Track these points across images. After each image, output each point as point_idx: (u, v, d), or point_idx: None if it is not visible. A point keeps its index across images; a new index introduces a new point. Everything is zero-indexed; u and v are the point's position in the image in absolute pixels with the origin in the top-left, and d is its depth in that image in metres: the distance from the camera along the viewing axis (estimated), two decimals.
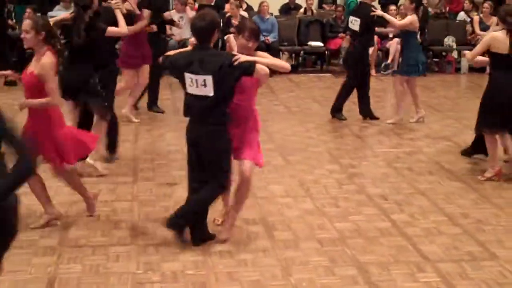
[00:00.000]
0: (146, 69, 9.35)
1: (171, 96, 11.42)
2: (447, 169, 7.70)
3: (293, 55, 15.06)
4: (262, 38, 13.60)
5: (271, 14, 14.64)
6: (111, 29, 7.16)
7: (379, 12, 9.72)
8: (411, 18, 9.27)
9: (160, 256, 5.28)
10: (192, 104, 5.26)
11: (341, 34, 14.18)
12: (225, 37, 13.36)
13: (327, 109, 10.33)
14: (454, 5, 16.21)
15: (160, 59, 5.49)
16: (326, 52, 14.47)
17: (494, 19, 14.34)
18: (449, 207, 6.50)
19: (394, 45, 13.85)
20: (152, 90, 10.08)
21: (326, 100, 11.15)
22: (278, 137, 9.03)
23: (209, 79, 5.09)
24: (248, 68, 5.12)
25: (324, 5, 17.16)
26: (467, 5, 15.86)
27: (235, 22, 13.59)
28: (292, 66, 14.50)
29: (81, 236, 5.67)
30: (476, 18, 14.49)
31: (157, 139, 8.76)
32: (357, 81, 10.01)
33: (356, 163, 7.86)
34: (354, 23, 9.76)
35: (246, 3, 15.55)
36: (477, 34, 14.27)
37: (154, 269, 5.07)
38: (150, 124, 9.51)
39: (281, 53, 14.55)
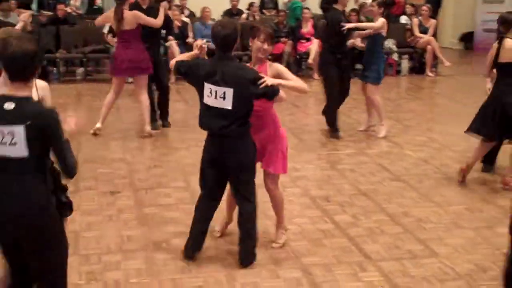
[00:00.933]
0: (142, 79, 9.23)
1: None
2: (388, 170, 7.82)
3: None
4: (205, 43, 13.58)
5: (214, 19, 14.63)
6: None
7: (350, 25, 9.17)
8: (383, 20, 9.19)
9: (103, 265, 5.23)
10: (208, 116, 5.06)
11: (283, 39, 14.29)
12: (166, 44, 13.32)
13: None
14: (395, 9, 16.46)
15: (173, 63, 5.27)
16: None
17: (433, 22, 14.70)
18: (391, 207, 6.60)
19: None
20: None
21: None
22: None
23: (229, 92, 4.90)
24: (271, 95, 5.01)
25: (265, 11, 17.25)
26: (409, 8, 16.15)
27: (176, 28, 13.58)
28: None
29: None
30: (415, 20, 14.77)
31: (100, 148, 8.67)
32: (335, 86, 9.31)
33: (299, 166, 7.91)
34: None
35: (188, 9, 15.54)
36: (416, 36, 14.56)
37: (97, 278, 5.02)
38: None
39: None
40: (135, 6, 9.17)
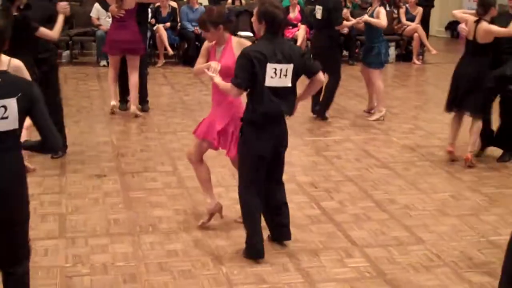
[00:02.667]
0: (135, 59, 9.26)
1: (99, 86, 11.27)
2: (374, 156, 7.84)
3: None
4: (191, 28, 13.55)
5: (200, 4, 14.56)
6: (43, 31, 6.91)
7: (363, 19, 9.44)
8: (384, 12, 9.38)
9: (89, 249, 5.22)
10: (272, 104, 4.95)
11: None
12: (154, 28, 13.27)
13: None
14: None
15: (234, 83, 4.97)
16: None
17: (420, 9, 14.71)
18: (377, 194, 6.63)
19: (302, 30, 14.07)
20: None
21: None
22: None
23: (290, 68, 4.96)
24: (316, 70, 5.15)
25: None
26: None
27: (164, 12, 13.51)
28: None
29: None
30: (401, 10, 14.76)
31: (86, 131, 8.62)
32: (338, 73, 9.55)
33: (286, 152, 7.89)
34: (318, 11, 9.61)
35: None
36: (403, 23, 14.57)
37: (83, 261, 5.01)
38: (78, 116, 9.34)
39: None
40: None
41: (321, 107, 9.50)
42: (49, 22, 7.09)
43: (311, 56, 5.23)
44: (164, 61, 13.36)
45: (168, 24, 13.46)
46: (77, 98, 10.33)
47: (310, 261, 5.14)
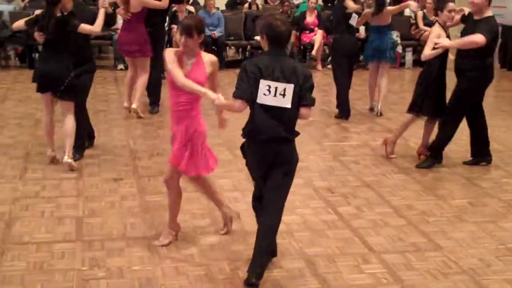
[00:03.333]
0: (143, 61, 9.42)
1: (116, 90, 11.31)
2: (392, 162, 7.80)
3: (240, 49, 15.06)
4: (208, 32, 13.57)
5: (218, 8, 14.60)
6: (84, 26, 7.11)
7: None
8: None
9: (106, 252, 5.22)
10: (263, 122, 4.66)
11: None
12: (172, 32, 13.30)
13: None
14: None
15: (234, 96, 4.74)
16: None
17: None
18: (394, 199, 6.59)
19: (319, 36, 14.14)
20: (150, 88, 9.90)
21: None
22: (225, 132, 8.95)
23: (290, 88, 4.58)
24: (313, 102, 4.75)
25: (269, 1, 17.20)
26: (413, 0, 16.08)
27: (181, 16, 13.54)
28: (238, 60, 14.60)
29: (24, 232, 5.56)
30: (420, 13, 14.69)
31: (103, 134, 8.65)
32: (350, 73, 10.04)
33: (303, 157, 7.80)
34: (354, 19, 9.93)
35: None
36: (421, 29, 14.49)
37: (99, 265, 5.01)
38: (95, 119, 9.36)
39: (227, 47, 14.53)
40: None
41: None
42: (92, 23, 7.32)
43: (311, 87, 4.71)
44: None
45: (175, 26, 13.44)
46: (95, 101, 10.35)
47: (327, 266, 5.12)
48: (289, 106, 4.61)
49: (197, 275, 4.90)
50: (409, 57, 14.73)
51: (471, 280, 4.97)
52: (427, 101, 7.62)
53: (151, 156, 7.81)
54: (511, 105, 11.10)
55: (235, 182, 6.95)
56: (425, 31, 14.37)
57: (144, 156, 7.79)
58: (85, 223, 5.79)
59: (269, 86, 4.57)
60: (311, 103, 4.71)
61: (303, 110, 4.69)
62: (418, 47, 14.82)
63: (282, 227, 5.66)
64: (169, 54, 5.09)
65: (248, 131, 4.79)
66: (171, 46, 13.35)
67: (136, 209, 6.16)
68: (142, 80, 9.35)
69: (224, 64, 13.89)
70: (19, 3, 14.55)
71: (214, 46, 13.64)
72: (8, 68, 13.68)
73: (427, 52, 7.42)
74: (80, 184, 6.77)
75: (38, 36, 7.01)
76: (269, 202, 4.82)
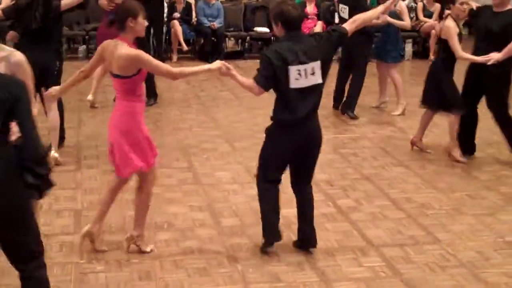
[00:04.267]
0: None
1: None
2: (391, 155, 7.80)
3: (239, 40, 15.00)
4: (207, 23, 13.52)
5: None
6: (64, 1, 6.95)
7: (392, 21, 9.54)
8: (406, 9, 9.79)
9: (104, 245, 5.21)
10: (300, 104, 4.88)
11: None
12: (170, 23, 13.26)
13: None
14: None
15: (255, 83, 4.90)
16: (272, 38, 14.44)
17: (437, 6, 14.60)
18: (393, 192, 6.59)
19: None
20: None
21: None
22: (225, 124, 9.00)
23: (317, 65, 4.87)
24: (340, 37, 5.06)
25: None
26: None
27: (179, 7, 13.50)
28: (238, 52, 14.56)
29: None
30: (419, 4, 14.66)
31: (101, 126, 8.61)
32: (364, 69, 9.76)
33: None
34: (344, 11, 9.69)
35: None
36: (421, 20, 14.46)
37: (98, 258, 5.01)
38: (93, 111, 9.35)
39: (227, 38, 14.49)
40: None
41: (348, 104, 9.53)
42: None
43: (327, 33, 5.09)
44: (177, 56, 13.36)
45: (176, 14, 13.38)
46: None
47: (326, 260, 5.12)
48: (320, 81, 4.92)
49: (195, 268, 4.90)
50: (409, 48, 14.69)
51: (470, 273, 4.97)
52: (432, 92, 7.63)
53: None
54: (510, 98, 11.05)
55: (234, 174, 6.94)
56: (425, 22, 14.38)
57: None
58: (84, 216, 5.78)
59: (299, 70, 4.81)
60: (342, 29, 5.10)
61: (348, 27, 5.10)
62: (417, 38, 14.80)
63: (281, 220, 5.67)
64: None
65: (284, 116, 4.95)
66: (170, 37, 13.33)
67: None
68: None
69: (224, 55, 13.84)
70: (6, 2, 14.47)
71: (213, 37, 13.59)
72: None
73: (466, 55, 7.31)
74: (78, 176, 6.76)
75: (13, 37, 6.81)
76: (307, 176, 5.20)
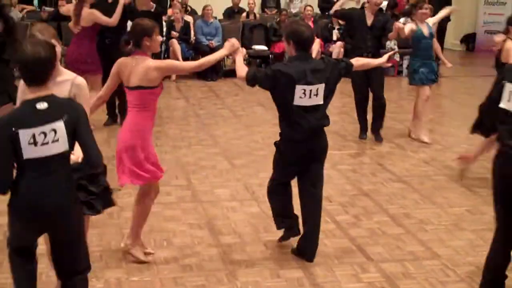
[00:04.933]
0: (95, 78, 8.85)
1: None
2: (390, 170, 7.81)
3: None
4: (206, 42, 13.59)
5: (215, 17, 14.63)
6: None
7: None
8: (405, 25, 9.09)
9: (104, 263, 5.21)
10: (303, 120, 5.12)
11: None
12: (169, 42, 13.33)
13: (272, 112, 10.31)
14: (398, 9, 16.45)
15: (248, 75, 5.12)
16: (271, 56, 14.53)
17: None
18: (392, 208, 6.59)
19: (337, 48, 14.00)
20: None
21: (271, 103, 11.09)
22: (223, 141, 9.02)
23: (322, 87, 5.10)
24: (346, 68, 5.32)
25: (266, 10, 17.23)
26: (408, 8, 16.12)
27: (178, 26, 13.58)
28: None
29: None
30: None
31: (100, 144, 8.59)
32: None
33: None
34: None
35: (190, 7, 15.53)
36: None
37: (98, 276, 5.00)
38: (93, 130, 9.34)
39: (225, 57, 14.54)
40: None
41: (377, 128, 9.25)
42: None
43: (339, 63, 5.36)
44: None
45: (175, 33, 13.44)
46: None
47: (325, 276, 5.12)
48: (321, 102, 5.13)
49: (195, 286, 4.90)
50: (406, 65, 14.73)
51: None
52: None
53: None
54: None
55: (233, 191, 6.95)
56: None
57: None
58: None
59: (304, 90, 5.03)
60: (350, 64, 5.35)
61: (356, 66, 5.39)
62: None
63: (280, 236, 5.67)
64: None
65: (289, 130, 5.19)
66: (168, 56, 13.39)
67: None
68: (93, 97, 9.02)
69: (222, 73, 13.91)
70: (17, 13, 14.58)
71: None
72: None
73: None
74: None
75: None
76: (312, 188, 5.37)
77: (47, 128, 3.60)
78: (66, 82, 4.30)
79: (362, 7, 9.16)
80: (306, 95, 5.04)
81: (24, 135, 3.56)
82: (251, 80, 5.12)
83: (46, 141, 3.60)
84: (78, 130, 3.74)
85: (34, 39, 3.96)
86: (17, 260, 3.89)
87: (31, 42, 3.73)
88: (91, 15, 8.91)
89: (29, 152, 3.59)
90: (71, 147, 3.76)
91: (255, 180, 7.33)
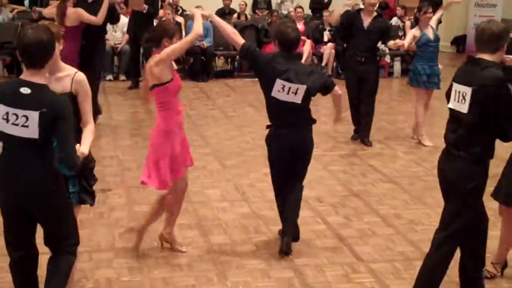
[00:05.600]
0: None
1: (104, 100, 11.29)
2: (380, 171, 7.83)
3: (229, 59, 15.08)
4: (197, 43, 13.58)
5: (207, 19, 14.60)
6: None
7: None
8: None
9: (94, 263, 5.21)
10: (279, 109, 5.36)
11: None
12: None
13: (263, 113, 10.29)
14: (388, 11, 16.50)
15: (244, 47, 5.39)
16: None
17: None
18: (382, 208, 6.61)
19: (328, 49, 14.02)
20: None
21: (262, 104, 11.03)
22: (214, 142, 9.02)
23: (302, 88, 5.24)
24: (327, 88, 5.49)
25: (257, 11, 17.25)
26: (399, 11, 16.19)
27: None
28: (228, 71, 14.62)
29: None
30: (407, 23, 14.74)
31: (91, 145, 8.59)
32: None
33: None
34: None
35: (181, 7, 15.50)
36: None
37: (87, 276, 5.00)
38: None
39: (216, 57, 14.55)
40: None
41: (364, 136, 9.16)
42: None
43: (326, 79, 5.69)
44: None
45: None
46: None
47: (315, 276, 5.12)
48: (299, 102, 5.28)
49: (185, 286, 4.90)
50: (397, 66, 14.79)
51: None
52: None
53: (140, 166, 7.78)
54: None
55: (223, 192, 6.95)
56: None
57: (133, 166, 7.77)
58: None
59: (284, 86, 5.23)
60: (332, 84, 5.53)
61: (334, 92, 5.50)
62: (406, 57, 14.88)
63: (270, 237, 5.68)
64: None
65: (269, 119, 5.50)
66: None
67: (124, 220, 6.15)
68: None
69: (214, 74, 13.91)
70: (7, 14, 14.53)
71: (203, 56, 13.66)
72: None
73: None
74: None
75: None
76: (297, 178, 5.60)
77: (20, 112, 3.71)
78: (67, 77, 4.30)
79: (359, 10, 9.09)
80: (284, 91, 5.23)
81: (1, 109, 3.74)
82: (243, 52, 5.39)
83: (17, 123, 3.72)
84: (57, 128, 3.78)
85: (34, 25, 4.01)
86: (17, 269, 4.11)
87: (32, 27, 3.82)
88: (76, 13, 8.86)
89: (1, 125, 3.77)
90: (45, 139, 3.80)
91: (246, 180, 7.33)
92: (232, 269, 5.18)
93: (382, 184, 7.38)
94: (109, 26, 12.74)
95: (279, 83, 5.23)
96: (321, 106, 10.91)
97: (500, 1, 17.89)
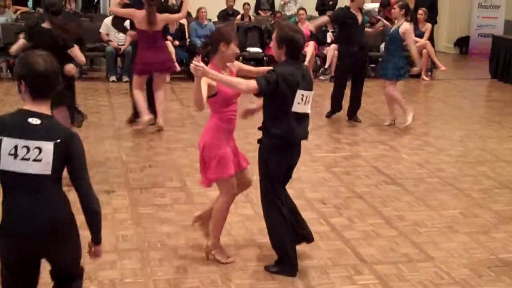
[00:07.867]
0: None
1: (108, 101, 11.31)
2: (384, 173, 7.82)
3: None
4: (200, 44, 13.58)
5: (209, 20, 14.63)
6: (75, 51, 7.01)
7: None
8: (411, 29, 9.89)
9: (97, 265, 5.19)
10: (299, 126, 5.04)
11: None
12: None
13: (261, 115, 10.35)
14: (388, 11, 16.48)
15: (262, 87, 4.80)
16: (265, 58, 14.54)
17: (428, 25, 14.74)
18: (386, 210, 6.60)
19: (331, 51, 14.01)
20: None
21: None
22: None
23: (311, 95, 5.04)
24: None
25: (260, 12, 17.26)
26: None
27: (172, 28, 13.56)
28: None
29: None
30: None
31: (95, 147, 8.64)
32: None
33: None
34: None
35: None
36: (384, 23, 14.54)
37: (91, 278, 4.99)
38: (87, 131, 9.35)
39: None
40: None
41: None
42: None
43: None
44: (170, 76, 13.40)
45: (177, 42, 13.46)
46: (86, 113, 10.33)
47: (319, 278, 5.12)
48: (309, 111, 5.08)
49: (189, 287, 4.90)
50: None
51: None
52: None
53: (143, 168, 7.80)
54: (502, 116, 11.14)
55: None
56: (416, 42, 14.50)
57: (136, 168, 7.78)
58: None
59: (303, 95, 4.93)
60: None
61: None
62: (408, 58, 14.85)
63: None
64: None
65: (283, 135, 5.03)
66: None
67: (128, 221, 6.15)
68: (161, 95, 9.48)
69: None
70: (11, 15, 14.56)
71: (205, 57, 13.66)
72: (0, 80, 13.66)
73: None
74: (71, 196, 6.73)
75: None
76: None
77: (32, 143, 3.41)
78: None
79: (348, 7, 10.10)
80: (303, 101, 4.93)
81: (7, 143, 3.41)
82: (265, 90, 4.82)
83: (27, 157, 3.41)
84: (72, 165, 3.55)
85: (38, 52, 3.65)
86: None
87: (39, 55, 3.53)
88: (164, 18, 9.25)
89: (7, 163, 3.42)
90: (56, 173, 3.52)
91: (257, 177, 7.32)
92: (236, 271, 5.18)
93: (386, 186, 7.37)
94: (112, 28, 12.82)
95: (299, 93, 4.87)
96: (324, 108, 10.92)
97: (503, 2, 17.89)
